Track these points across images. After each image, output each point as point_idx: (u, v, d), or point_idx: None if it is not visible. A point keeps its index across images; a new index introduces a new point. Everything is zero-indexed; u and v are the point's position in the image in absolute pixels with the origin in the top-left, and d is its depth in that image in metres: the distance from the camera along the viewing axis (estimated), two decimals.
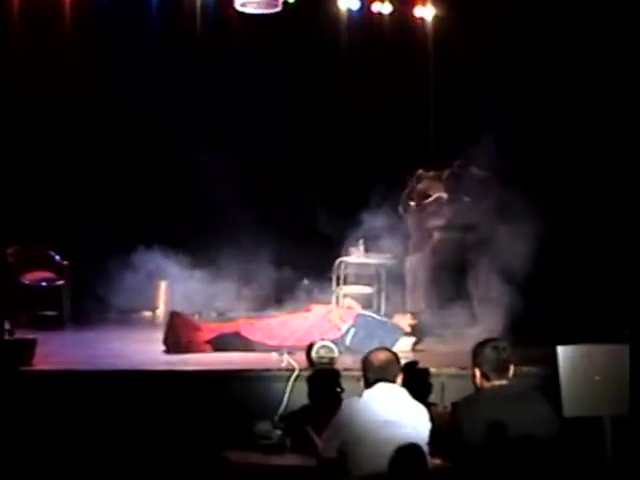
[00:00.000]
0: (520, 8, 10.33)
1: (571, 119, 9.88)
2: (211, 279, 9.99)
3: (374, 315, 8.44)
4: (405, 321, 8.45)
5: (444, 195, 10.14)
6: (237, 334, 7.84)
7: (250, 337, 7.77)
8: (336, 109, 11.23)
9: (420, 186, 10.28)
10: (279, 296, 10.21)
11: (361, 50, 11.29)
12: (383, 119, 11.08)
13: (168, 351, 7.89)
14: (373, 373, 5.10)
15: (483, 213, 9.55)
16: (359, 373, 5.37)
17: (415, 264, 10.08)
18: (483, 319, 9.51)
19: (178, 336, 8.01)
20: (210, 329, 8.11)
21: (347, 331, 7.91)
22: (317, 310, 8.41)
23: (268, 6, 9.83)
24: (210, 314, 10.43)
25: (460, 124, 10.76)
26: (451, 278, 9.79)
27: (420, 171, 10.31)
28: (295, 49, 11.08)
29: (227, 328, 8.05)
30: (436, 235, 10.11)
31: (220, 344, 7.89)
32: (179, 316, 8.26)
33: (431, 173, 10.32)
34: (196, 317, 10.33)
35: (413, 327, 8.44)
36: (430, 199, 10.18)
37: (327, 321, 8.09)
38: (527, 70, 10.30)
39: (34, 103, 10.46)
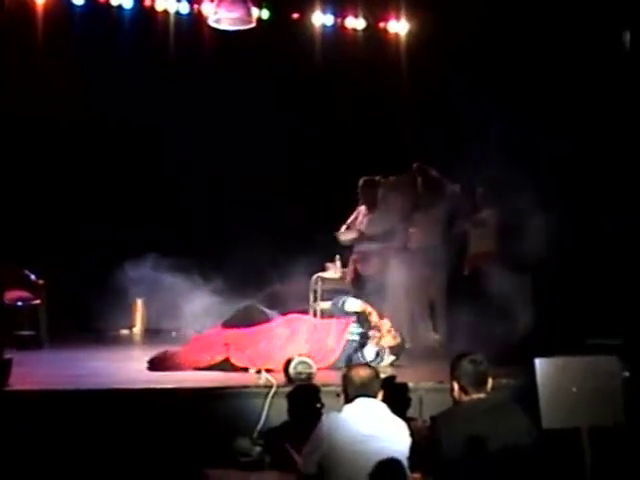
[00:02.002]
0: (494, 20, 10.44)
1: (541, 143, 10.01)
2: (191, 295, 9.96)
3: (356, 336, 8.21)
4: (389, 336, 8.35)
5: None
6: (226, 360, 7.73)
7: (237, 364, 7.65)
8: (309, 124, 11.27)
9: (374, 192, 10.13)
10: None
11: (335, 65, 11.32)
12: (357, 134, 11.11)
13: (151, 367, 7.81)
14: (354, 389, 5.11)
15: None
16: (339, 388, 5.37)
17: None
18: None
19: (170, 358, 7.93)
20: (199, 356, 7.94)
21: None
22: (300, 324, 8.23)
23: (242, 22, 9.86)
24: (188, 331, 10.42)
25: (437, 136, 10.89)
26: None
27: (378, 177, 10.17)
28: (269, 65, 11.09)
29: (216, 350, 7.86)
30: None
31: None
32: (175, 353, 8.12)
33: (391, 179, 10.21)
34: (174, 334, 10.35)
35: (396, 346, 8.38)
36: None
37: (323, 347, 7.98)
38: (500, 81, 10.38)
39: (6, 121, 10.41)
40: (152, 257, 9.99)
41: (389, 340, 8.21)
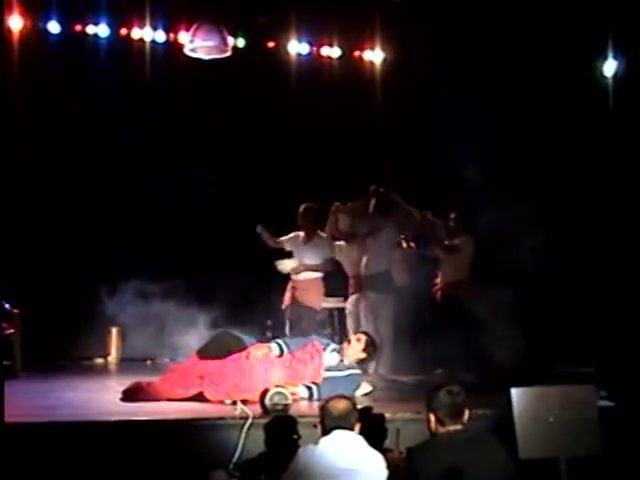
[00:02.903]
0: (469, 45, 10.56)
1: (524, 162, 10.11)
2: (165, 324, 9.93)
3: (332, 374, 7.91)
4: (356, 349, 8.30)
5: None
6: (201, 394, 7.66)
7: (211, 399, 7.58)
8: (286, 151, 11.29)
9: (333, 219, 10.20)
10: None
11: (310, 93, 11.37)
12: (332, 162, 11.15)
13: (125, 399, 7.74)
14: (331, 421, 5.09)
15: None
16: (315, 419, 5.35)
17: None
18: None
19: (144, 389, 7.87)
20: (174, 389, 7.86)
21: (312, 388, 7.77)
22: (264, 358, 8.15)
23: (218, 51, 9.90)
24: (163, 360, 10.38)
25: (412, 162, 10.96)
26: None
27: (336, 204, 10.21)
28: (244, 93, 11.12)
29: (191, 384, 7.78)
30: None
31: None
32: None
33: (348, 205, 10.23)
34: (149, 363, 10.28)
35: (367, 351, 8.29)
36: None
37: (300, 377, 7.90)
38: (474, 106, 10.48)
39: None
40: (128, 284, 9.99)
41: (354, 349, 8.16)
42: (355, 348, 8.18)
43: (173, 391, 7.63)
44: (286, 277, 9.87)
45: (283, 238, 9.90)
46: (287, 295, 9.85)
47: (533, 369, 8.10)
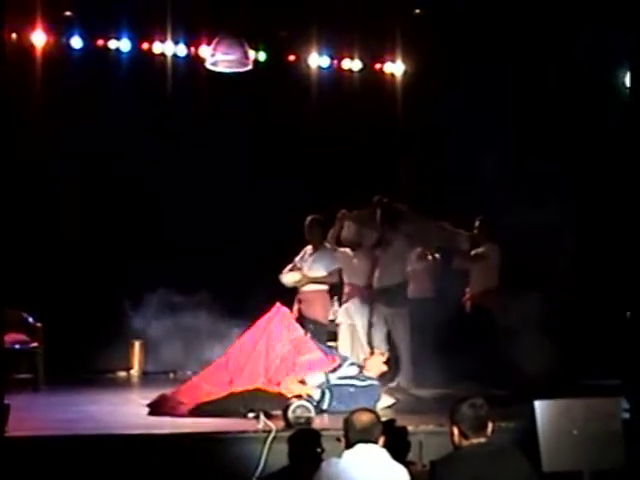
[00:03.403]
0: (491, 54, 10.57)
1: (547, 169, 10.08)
2: (187, 337, 9.94)
3: (351, 382, 7.92)
4: (378, 362, 8.30)
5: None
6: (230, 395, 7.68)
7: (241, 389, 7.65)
8: (306, 165, 11.30)
9: (338, 226, 10.02)
10: None
11: (331, 106, 11.38)
12: (353, 174, 11.15)
13: (151, 412, 7.79)
14: (355, 434, 5.06)
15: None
16: (339, 433, 5.34)
17: None
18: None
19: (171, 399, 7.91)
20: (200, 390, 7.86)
21: (322, 396, 7.77)
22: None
23: (239, 65, 9.94)
24: (186, 372, 10.39)
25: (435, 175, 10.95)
26: None
27: (343, 211, 10.01)
28: (266, 107, 11.15)
29: (220, 385, 7.84)
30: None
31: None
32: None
33: (354, 212, 10.04)
34: (171, 375, 10.30)
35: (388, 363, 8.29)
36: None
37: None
38: (494, 117, 10.48)
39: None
40: (151, 297, 10.00)
41: (376, 362, 8.15)
42: (377, 361, 8.18)
43: (199, 392, 7.66)
44: (294, 290, 9.63)
45: (296, 260, 9.65)
46: (294, 309, 9.56)
47: (561, 381, 8.05)
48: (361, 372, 8.02)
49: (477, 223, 10.07)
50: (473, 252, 10.00)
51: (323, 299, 9.59)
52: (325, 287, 9.57)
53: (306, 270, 9.47)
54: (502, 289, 9.84)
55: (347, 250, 9.98)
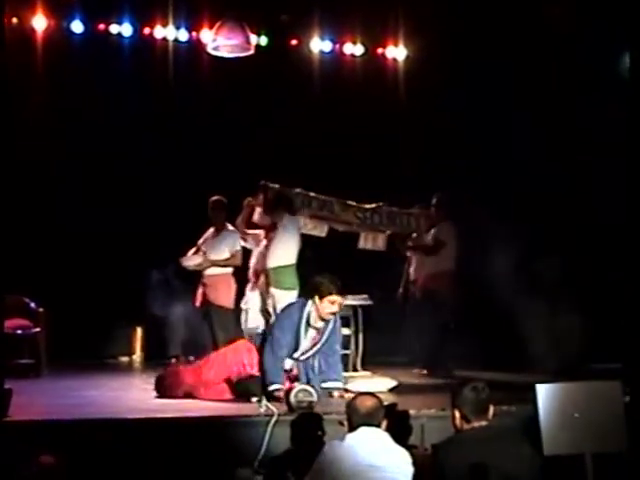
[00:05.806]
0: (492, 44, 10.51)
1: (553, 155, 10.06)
2: (187, 322, 9.92)
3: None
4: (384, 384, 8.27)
5: None
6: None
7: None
8: (308, 149, 11.25)
9: (246, 212, 9.68)
10: None
11: (333, 91, 11.34)
12: (355, 160, 11.12)
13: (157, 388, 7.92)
14: (358, 418, 5.06)
15: None
16: (341, 416, 5.35)
17: None
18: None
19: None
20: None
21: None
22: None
23: (240, 49, 9.92)
24: (188, 358, 10.38)
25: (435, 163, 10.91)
26: None
27: (249, 199, 9.69)
28: (267, 92, 11.11)
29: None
30: None
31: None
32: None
33: (260, 198, 9.63)
34: (173, 361, 10.31)
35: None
36: None
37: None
38: (498, 105, 10.44)
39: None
40: (154, 282, 9.96)
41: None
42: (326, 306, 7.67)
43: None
44: (198, 275, 9.49)
45: (199, 243, 9.48)
46: (198, 293, 9.46)
47: (565, 366, 8.06)
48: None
49: (434, 200, 9.86)
50: (429, 237, 9.83)
51: (227, 283, 9.40)
52: (229, 270, 9.40)
53: (208, 252, 9.34)
54: (456, 273, 9.71)
55: (259, 232, 9.59)
